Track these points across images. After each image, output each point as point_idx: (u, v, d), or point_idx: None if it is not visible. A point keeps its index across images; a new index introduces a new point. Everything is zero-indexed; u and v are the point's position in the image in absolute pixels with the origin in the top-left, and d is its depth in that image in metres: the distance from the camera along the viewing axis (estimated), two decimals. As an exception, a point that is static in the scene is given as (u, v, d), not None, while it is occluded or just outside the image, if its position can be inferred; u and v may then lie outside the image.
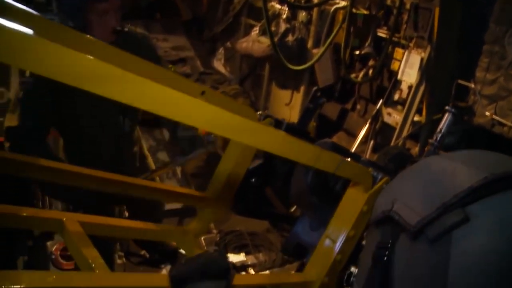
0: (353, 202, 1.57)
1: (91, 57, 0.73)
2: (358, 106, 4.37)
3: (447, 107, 1.82)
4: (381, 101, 3.94)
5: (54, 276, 0.95)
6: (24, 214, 1.57)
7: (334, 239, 1.68)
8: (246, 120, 1.05)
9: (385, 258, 0.79)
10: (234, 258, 3.29)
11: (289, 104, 5.01)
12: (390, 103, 3.98)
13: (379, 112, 3.95)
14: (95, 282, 1.03)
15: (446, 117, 1.88)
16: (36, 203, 3.24)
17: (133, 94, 0.80)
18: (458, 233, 0.71)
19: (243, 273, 3.25)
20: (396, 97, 3.89)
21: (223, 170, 1.90)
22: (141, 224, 1.92)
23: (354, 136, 4.18)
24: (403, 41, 3.81)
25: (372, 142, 4.03)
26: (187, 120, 0.94)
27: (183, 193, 1.95)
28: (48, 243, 3.25)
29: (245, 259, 3.32)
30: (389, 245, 0.79)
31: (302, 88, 4.85)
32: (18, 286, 0.87)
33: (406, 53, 3.73)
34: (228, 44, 5.98)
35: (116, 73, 0.76)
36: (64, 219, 1.62)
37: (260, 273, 3.16)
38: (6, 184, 2.40)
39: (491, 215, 0.71)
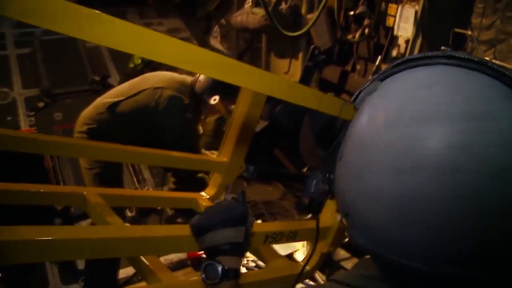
0: (360, 145, 1.62)
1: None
2: (358, 66, 4.38)
3: (442, 47, 1.86)
4: (379, 58, 3.96)
5: (85, 229, 1.02)
6: (46, 190, 1.64)
7: (346, 184, 1.73)
8: (254, 67, 1.10)
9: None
10: (253, 226, 3.37)
11: (288, 72, 5.03)
12: (389, 59, 3.98)
13: (378, 69, 3.96)
14: (123, 233, 1.08)
15: (444, 57, 1.92)
16: (51, 180, 3.32)
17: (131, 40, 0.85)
18: (371, 98, 0.91)
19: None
20: (394, 53, 3.90)
21: (233, 130, 1.95)
22: (158, 193, 1.99)
23: (357, 97, 4.20)
24: (395, -4, 3.81)
25: (375, 100, 4.05)
26: (196, 68, 0.99)
27: (195, 159, 2.01)
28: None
29: (263, 226, 3.38)
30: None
31: (300, 55, 4.86)
32: (52, 238, 0.94)
33: (400, 8, 3.72)
34: (223, 21, 5.97)
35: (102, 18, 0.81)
36: (85, 192, 1.68)
37: (277, 221, 3.22)
38: (20, 163, 2.47)
39: (395, 85, 0.88)
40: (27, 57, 5.57)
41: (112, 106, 2.96)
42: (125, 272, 3.09)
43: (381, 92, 0.89)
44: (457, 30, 3.46)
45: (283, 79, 1.23)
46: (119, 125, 2.95)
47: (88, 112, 3.02)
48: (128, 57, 5.20)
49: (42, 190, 1.61)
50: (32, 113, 4.90)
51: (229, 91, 2.70)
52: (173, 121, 3.01)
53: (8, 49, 5.61)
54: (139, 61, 5.09)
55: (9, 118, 4.82)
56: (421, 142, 0.74)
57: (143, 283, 1.49)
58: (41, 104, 5.02)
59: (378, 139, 0.81)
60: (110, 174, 2.89)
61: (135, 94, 2.99)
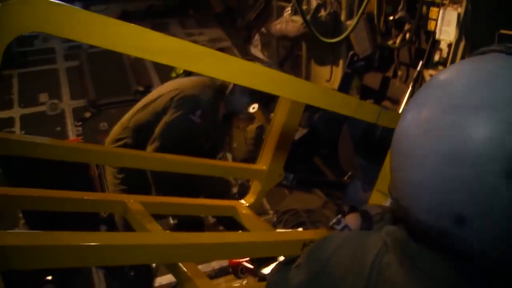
0: (399, 151, 1.60)
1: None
2: (399, 72, 4.30)
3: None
4: (421, 63, 3.88)
5: (125, 236, 1.05)
6: (89, 198, 1.70)
7: (385, 191, 1.71)
8: (290, 76, 1.12)
9: None
10: (295, 235, 3.35)
11: (330, 80, 5.00)
12: (431, 64, 3.90)
13: (420, 74, 3.89)
14: (164, 240, 1.11)
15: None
16: (96, 188, 3.41)
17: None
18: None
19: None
20: (436, 57, 3.82)
21: (272, 138, 1.96)
22: (198, 200, 2.02)
23: (399, 104, 4.13)
24: (437, 0, 3.74)
25: (417, 106, 3.98)
26: (234, 79, 1.02)
27: (236, 167, 2.04)
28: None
29: (305, 234, 3.37)
30: None
31: (340, 62, 4.82)
32: (94, 243, 0.97)
33: (441, 11, 3.65)
34: (263, 29, 6.02)
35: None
36: (126, 200, 1.73)
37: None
38: (67, 171, 2.55)
39: (439, 75, 0.83)
40: (75, 70, 5.81)
41: (133, 118, 2.76)
42: (167, 278, 3.14)
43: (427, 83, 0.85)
44: (503, 31, 3.36)
45: (318, 86, 1.24)
46: (140, 138, 2.64)
47: (114, 129, 2.86)
48: (171, 67, 5.31)
49: (85, 198, 1.67)
50: (79, 123, 5.11)
51: (265, 101, 2.45)
52: (174, 120, 2.55)
53: (58, 63, 5.88)
54: (181, 70, 5.17)
55: (58, 128, 5.02)
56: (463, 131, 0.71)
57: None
58: (87, 115, 5.22)
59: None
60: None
61: (152, 101, 2.73)
